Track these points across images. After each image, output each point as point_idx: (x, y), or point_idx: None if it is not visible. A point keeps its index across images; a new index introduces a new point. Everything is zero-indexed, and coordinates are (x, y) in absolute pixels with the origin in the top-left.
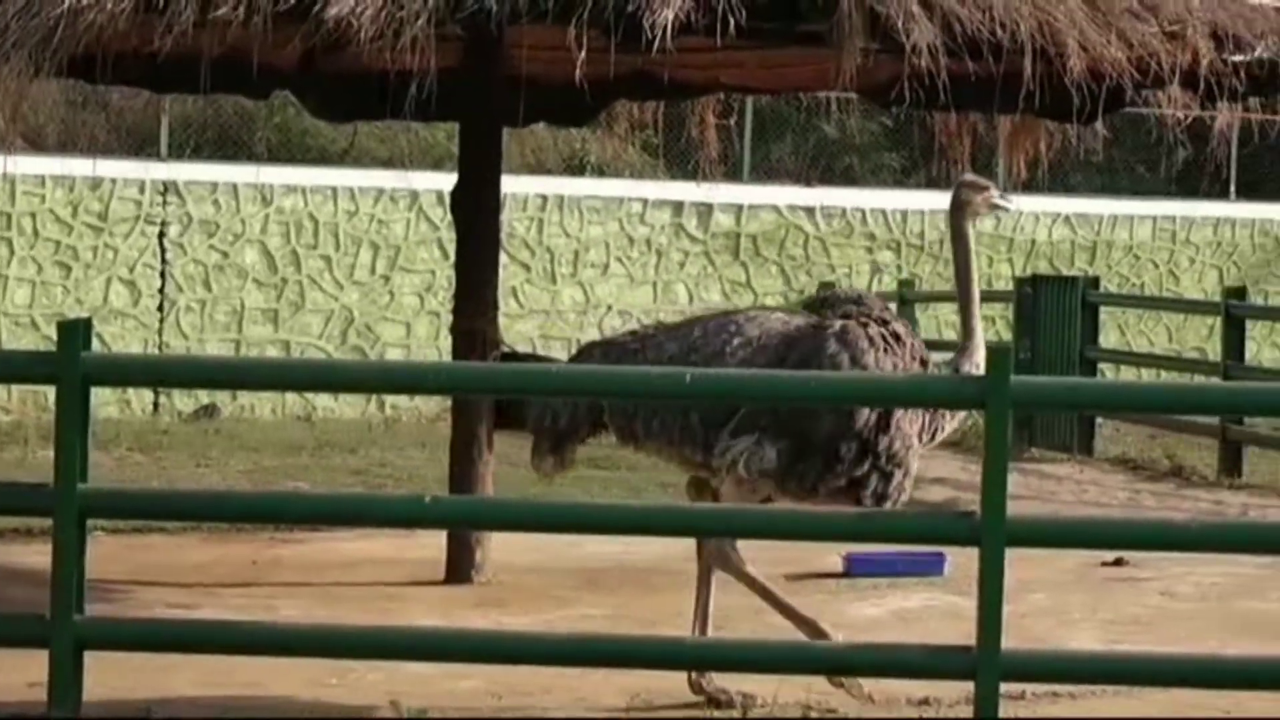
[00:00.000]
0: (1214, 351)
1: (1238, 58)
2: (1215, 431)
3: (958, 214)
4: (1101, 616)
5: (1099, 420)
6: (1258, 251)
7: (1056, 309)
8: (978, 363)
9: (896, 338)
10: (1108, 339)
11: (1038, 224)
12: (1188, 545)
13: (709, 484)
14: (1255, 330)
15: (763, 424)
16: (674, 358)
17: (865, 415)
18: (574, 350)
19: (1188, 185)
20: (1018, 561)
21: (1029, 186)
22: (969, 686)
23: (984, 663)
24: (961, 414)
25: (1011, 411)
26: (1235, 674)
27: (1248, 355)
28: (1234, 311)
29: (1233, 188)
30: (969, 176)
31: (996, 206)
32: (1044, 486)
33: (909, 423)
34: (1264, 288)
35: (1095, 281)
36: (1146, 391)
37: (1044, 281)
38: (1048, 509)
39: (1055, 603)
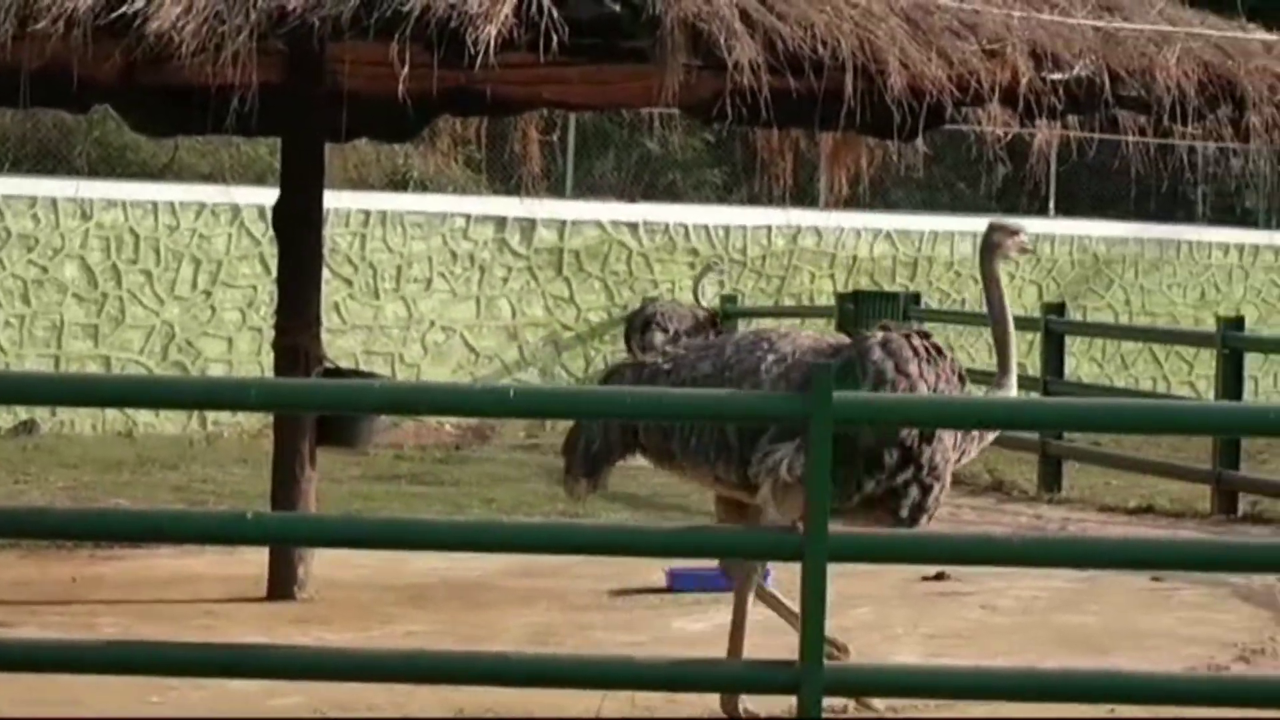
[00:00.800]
0: (1034, 367)
1: (1056, 76)
2: (1035, 446)
3: (988, 256)
4: (923, 630)
5: None
6: (1076, 267)
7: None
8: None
9: (938, 350)
10: None
11: (859, 240)
12: (1008, 560)
13: (738, 504)
14: (1074, 345)
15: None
16: (709, 377)
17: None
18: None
19: (1007, 202)
20: (840, 576)
21: (850, 203)
22: (792, 700)
23: (806, 677)
24: (991, 436)
25: (834, 427)
26: (1054, 687)
27: (1067, 370)
28: (1053, 327)
29: (1052, 204)
30: (1000, 220)
31: (1025, 250)
32: None
33: (950, 436)
34: (1082, 303)
35: (916, 297)
36: (968, 407)
37: (866, 297)
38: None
39: (878, 617)
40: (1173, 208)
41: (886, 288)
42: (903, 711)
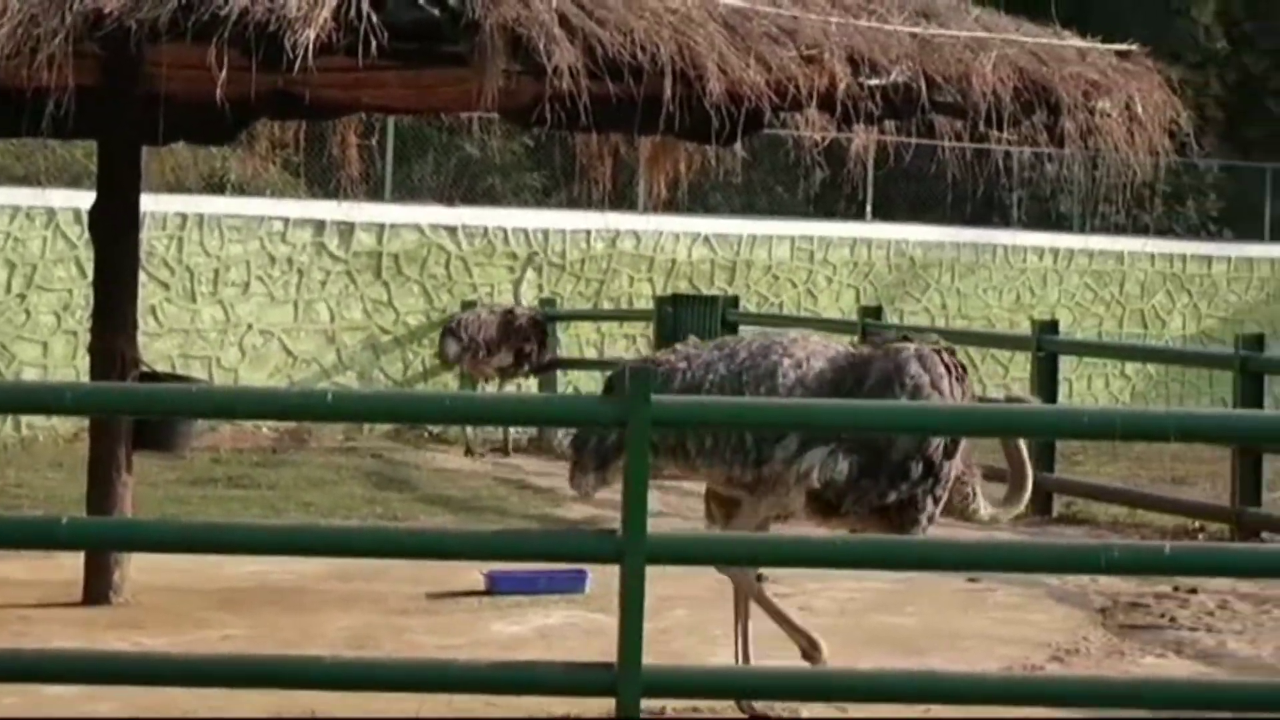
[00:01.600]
0: None
1: (874, 82)
2: None
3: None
4: None
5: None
6: (893, 271)
7: (697, 328)
8: (1019, 502)
9: (962, 368)
10: None
11: (678, 243)
12: (826, 561)
13: (735, 502)
14: None
15: (835, 435)
16: (725, 378)
17: (937, 440)
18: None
19: (825, 206)
20: (659, 578)
21: (669, 206)
22: (611, 703)
23: (625, 679)
24: None
25: (651, 430)
26: (870, 687)
27: None
28: (871, 330)
29: (869, 209)
30: (1016, 393)
31: None
32: (685, 504)
33: (964, 448)
34: (899, 307)
35: (735, 300)
36: (785, 410)
37: (684, 301)
38: (688, 526)
39: (696, 619)
40: (988, 212)
41: (705, 291)
42: (722, 714)
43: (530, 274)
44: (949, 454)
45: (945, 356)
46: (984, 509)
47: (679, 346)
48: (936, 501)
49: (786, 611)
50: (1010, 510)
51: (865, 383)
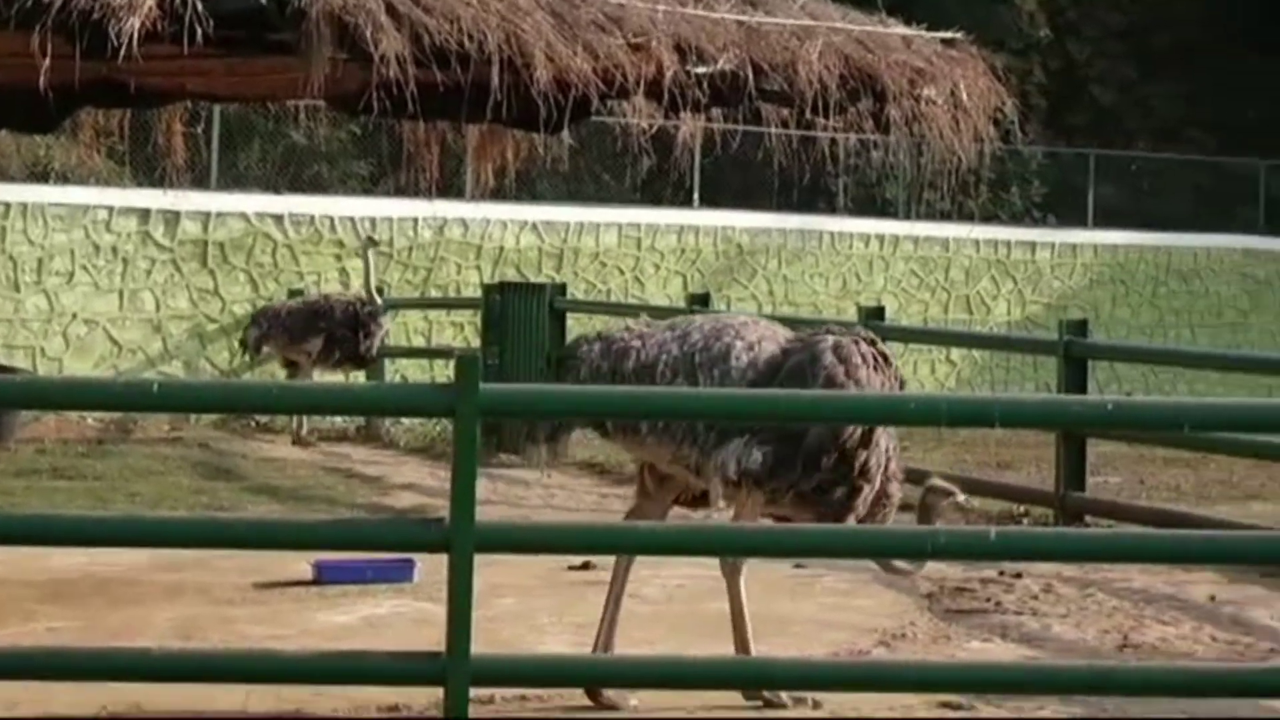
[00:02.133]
0: None
1: (700, 70)
2: None
3: (924, 518)
4: (570, 620)
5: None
6: (720, 258)
7: (524, 316)
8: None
9: (885, 358)
10: None
11: (505, 231)
12: (655, 549)
13: (671, 481)
14: None
15: (752, 427)
16: (677, 359)
17: (851, 429)
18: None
19: (652, 193)
20: (487, 566)
21: (496, 194)
22: (439, 692)
23: (453, 668)
24: None
25: (480, 418)
26: (699, 674)
27: None
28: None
29: (696, 196)
30: (937, 482)
31: (961, 509)
32: (513, 492)
33: (886, 438)
34: (726, 293)
35: (563, 288)
36: (614, 398)
37: (512, 288)
38: (517, 514)
39: (524, 607)
40: (815, 199)
41: (533, 279)
42: (549, 701)
43: (374, 259)
44: (865, 443)
45: (864, 346)
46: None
47: (632, 325)
48: (858, 492)
49: (746, 622)
50: (914, 567)
51: (780, 372)
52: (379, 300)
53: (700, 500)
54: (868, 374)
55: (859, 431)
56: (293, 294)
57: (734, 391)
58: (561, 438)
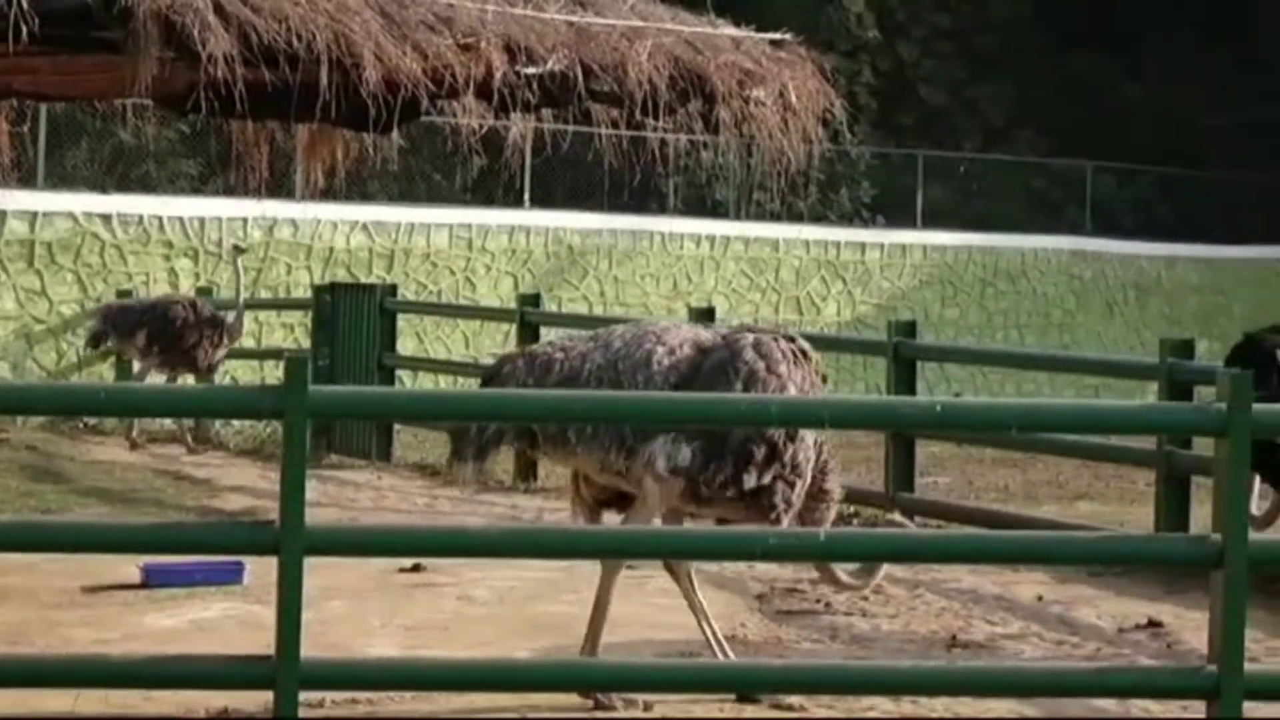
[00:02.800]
0: None
1: (530, 70)
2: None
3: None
4: (400, 622)
5: (397, 427)
6: (551, 259)
7: (355, 316)
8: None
9: (804, 353)
10: (405, 346)
11: (336, 231)
12: (485, 551)
13: (606, 494)
14: (550, 336)
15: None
16: (601, 368)
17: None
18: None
19: (483, 193)
20: (317, 569)
21: (327, 194)
22: (269, 695)
23: (283, 671)
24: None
25: (310, 420)
26: (529, 676)
27: None
28: (529, 318)
29: (527, 196)
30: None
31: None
32: (343, 494)
33: (811, 436)
34: (558, 294)
35: (393, 289)
36: (440, 400)
37: (342, 289)
38: (347, 516)
39: (354, 610)
40: (645, 199)
41: (363, 279)
42: (380, 704)
43: (243, 266)
44: (792, 437)
45: (784, 343)
46: (841, 573)
47: (554, 339)
48: (791, 486)
49: (707, 622)
50: (860, 583)
51: (702, 369)
52: (243, 307)
53: (626, 502)
54: (788, 369)
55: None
56: (120, 294)
57: (551, 392)
58: (489, 457)
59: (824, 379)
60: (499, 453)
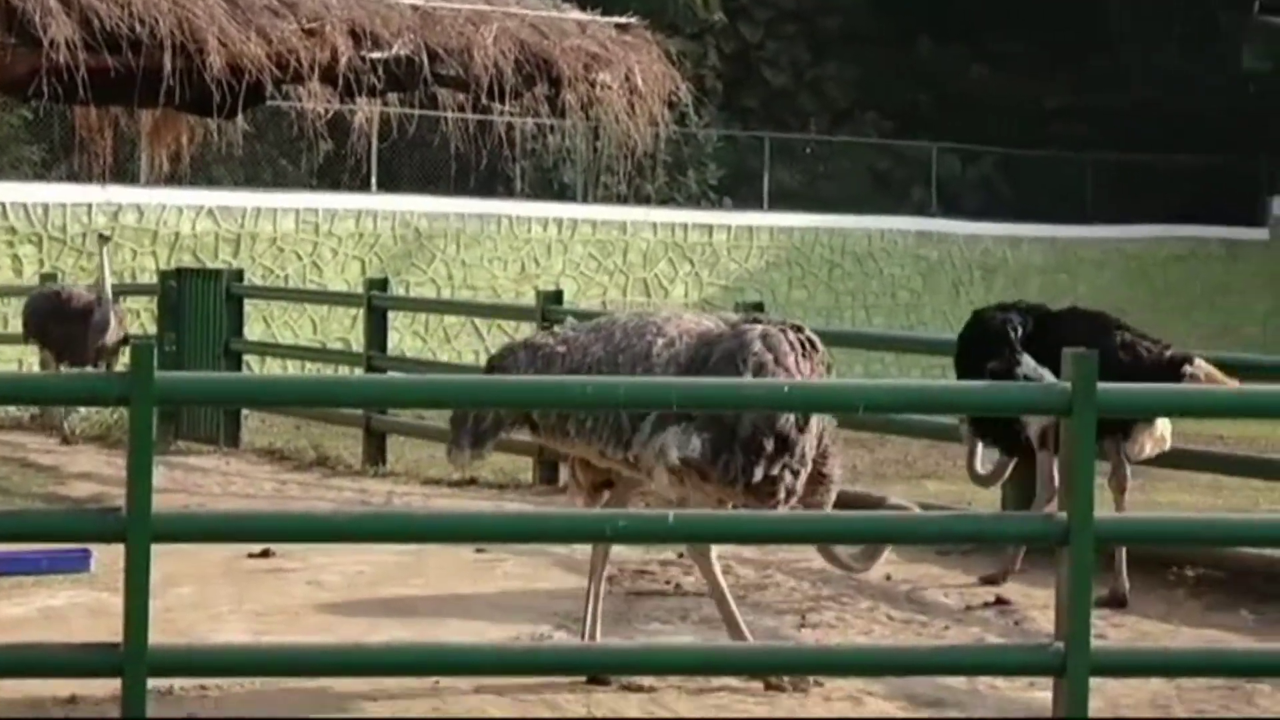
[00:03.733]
0: (358, 342)
1: (376, 55)
2: (359, 421)
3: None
4: (249, 608)
5: (245, 412)
6: (399, 243)
7: (201, 302)
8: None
9: (812, 344)
10: (253, 331)
11: (181, 217)
12: (334, 536)
13: (606, 480)
14: (397, 320)
15: (687, 414)
16: (601, 360)
17: (785, 415)
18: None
19: (330, 178)
20: (165, 555)
21: (172, 180)
22: (118, 683)
23: (131, 659)
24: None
25: (157, 406)
26: (380, 661)
27: (391, 345)
28: (376, 302)
29: (374, 180)
30: (894, 501)
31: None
32: (191, 479)
33: (819, 421)
34: (405, 278)
35: (239, 274)
36: (288, 385)
37: (188, 275)
38: (195, 502)
39: (203, 596)
40: (493, 183)
41: (210, 265)
42: (229, 691)
43: (109, 255)
44: (802, 429)
45: (792, 334)
46: (841, 551)
47: (557, 329)
48: (796, 476)
49: (730, 603)
50: (860, 566)
51: (710, 360)
52: (109, 296)
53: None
54: (796, 361)
55: (794, 417)
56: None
57: (435, 377)
58: (487, 444)
59: (829, 369)
60: (496, 440)
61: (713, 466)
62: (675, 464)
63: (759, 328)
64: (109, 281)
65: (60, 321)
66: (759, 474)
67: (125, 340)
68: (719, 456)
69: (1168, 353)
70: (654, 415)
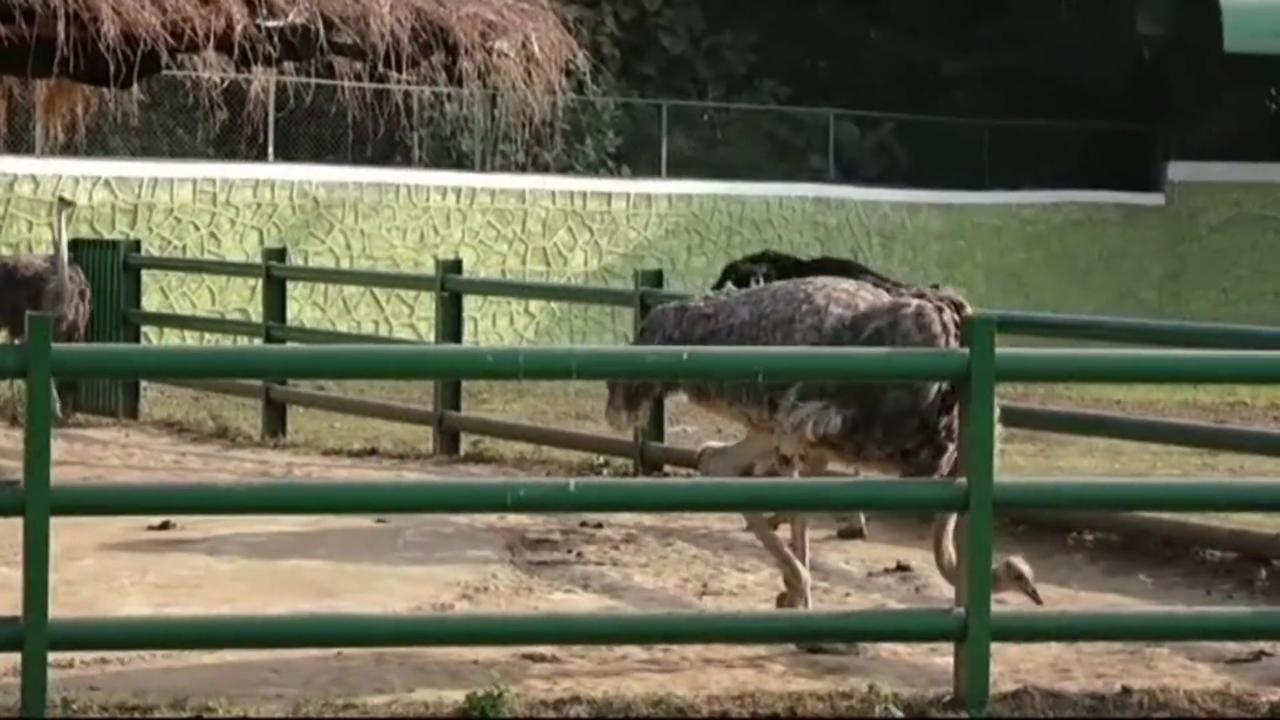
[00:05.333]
0: (256, 313)
1: (271, 23)
2: (259, 392)
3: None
4: (150, 580)
5: (144, 383)
6: (297, 213)
7: (98, 273)
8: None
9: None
10: (151, 302)
11: (78, 188)
12: (234, 507)
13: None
14: (296, 290)
15: (830, 390)
16: (745, 324)
17: (931, 394)
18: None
19: (227, 148)
20: (65, 528)
21: (67, 150)
22: (17, 657)
23: (30, 632)
24: None
25: (54, 378)
26: (281, 632)
27: (289, 315)
28: (275, 272)
29: (271, 150)
30: (1015, 562)
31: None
32: (90, 452)
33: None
34: (304, 248)
35: (137, 245)
36: (186, 356)
37: (85, 246)
38: (94, 475)
39: (103, 569)
40: (390, 152)
41: (106, 236)
42: (130, 664)
43: (66, 222)
44: (946, 409)
45: (946, 315)
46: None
47: (710, 293)
48: (940, 453)
49: (780, 544)
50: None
51: (862, 334)
52: (65, 263)
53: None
54: (946, 342)
55: (936, 397)
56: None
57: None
58: (640, 406)
59: None
60: (649, 400)
61: (849, 442)
62: (811, 439)
63: (914, 305)
64: (64, 248)
65: (9, 292)
66: (896, 451)
67: (90, 314)
68: (856, 433)
69: (908, 294)
70: (798, 386)
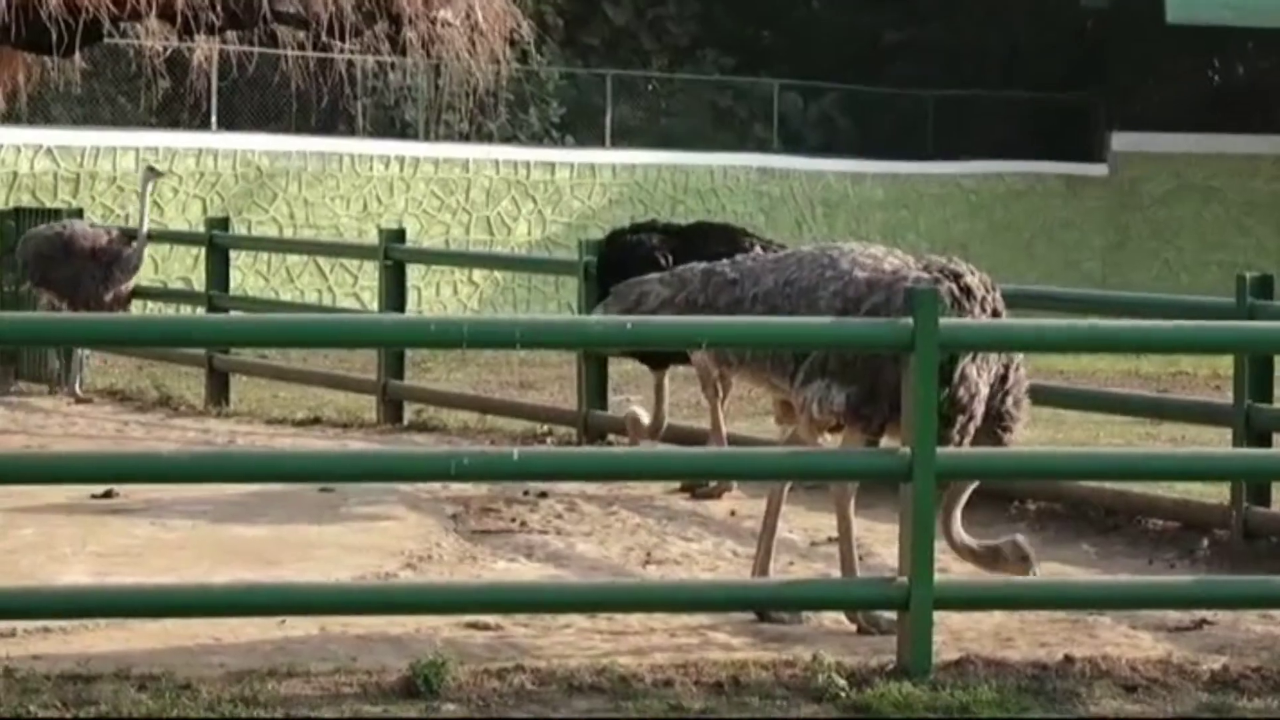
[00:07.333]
0: (199, 282)
1: None
2: (202, 361)
3: (992, 556)
4: (92, 549)
5: (85, 352)
6: (240, 182)
7: None
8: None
9: (969, 293)
10: None
11: (19, 156)
12: (178, 476)
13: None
14: (239, 260)
15: (833, 369)
16: (770, 291)
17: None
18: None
19: (169, 117)
20: (6, 496)
21: (9, 118)
22: None
23: None
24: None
25: None
26: (224, 601)
27: (233, 285)
28: (218, 241)
29: (214, 119)
30: (1020, 541)
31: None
32: (32, 420)
33: (977, 372)
34: (247, 217)
35: (79, 213)
36: (126, 324)
37: (27, 214)
38: (36, 443)
39: (45, 537)
40: (334, 121)
41: (49, 204)
42: (73, 633)
43: (152, 191)
44: (945, 380)
45: (949, 284)
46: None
47: (740, 257)
48: (950, 424)
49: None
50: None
51: (862, 308)
52: (145, 235)
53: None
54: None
55: (950, 370)
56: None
57: (267, 316)
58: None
59: (994, 315)
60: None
61: (857, 418)
62: (817, 416)
63: (913, 275)
64: (148, 219)
65: (66, 263)
66: (899, 421)
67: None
68: (862, 410)
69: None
70: (806, 364)
